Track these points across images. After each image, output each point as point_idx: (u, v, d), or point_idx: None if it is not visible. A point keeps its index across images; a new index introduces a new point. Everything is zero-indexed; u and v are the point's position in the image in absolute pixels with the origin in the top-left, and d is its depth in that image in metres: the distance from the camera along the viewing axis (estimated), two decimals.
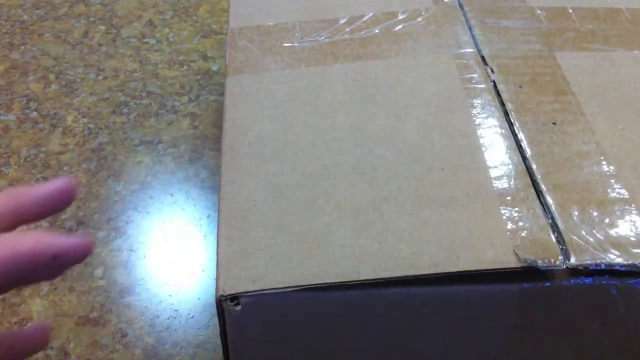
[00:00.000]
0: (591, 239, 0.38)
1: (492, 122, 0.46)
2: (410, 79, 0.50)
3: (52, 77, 0.92)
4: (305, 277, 0.37)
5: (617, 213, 0.40)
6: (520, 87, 0.49)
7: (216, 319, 0.40)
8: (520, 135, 0.45)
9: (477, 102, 0.48)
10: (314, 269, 0.37)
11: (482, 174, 0.42)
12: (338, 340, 0.41)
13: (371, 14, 0.57)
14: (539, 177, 0.42)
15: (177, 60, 0.95)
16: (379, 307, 0.39)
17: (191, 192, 0.76)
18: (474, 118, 0.47)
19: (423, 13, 0.57)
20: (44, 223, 0.72)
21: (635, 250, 0.37)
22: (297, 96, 0.49)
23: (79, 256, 0.22)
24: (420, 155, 0.44)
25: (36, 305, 0.65)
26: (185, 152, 0.81)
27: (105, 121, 0.85)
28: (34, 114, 0.86)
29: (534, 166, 0.43)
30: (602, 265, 0.37)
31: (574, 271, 0.37)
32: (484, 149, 0.44)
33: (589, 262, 0.37)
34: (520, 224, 0.39)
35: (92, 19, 1.03)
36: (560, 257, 0.37)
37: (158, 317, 0.64)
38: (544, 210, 0.40)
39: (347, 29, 0.55)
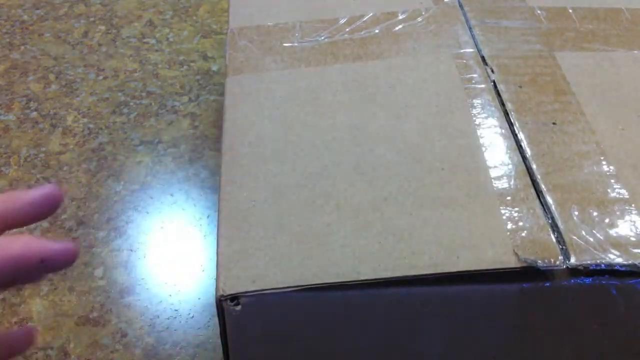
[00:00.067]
0: (591, 239, 0.38)
1: (492, 122, 0.46)
2: (410, 79, 0.50)
3: (52, 77, 0.92)
4: (305, 277, 0.37)
5: (617, 213, 0.40)
6: (520, 87, 0.49)
7: (216, 319, 0.40)
8: (520, 135, 0.45)
9: (477, 102, 0.48)
10: (314, 269, 0.37)
11: (482, 174, 0.42)
12: (338, 340, 0.41)
13: (371, 14, 0.57)
14: (539, 177, 0.42)
15: (177, 60, 0.95)
16: (379, 307, 0.39)
17: (191, 192, 0.76)
18: (474, 118, 0.47)
19: (423, 13, 0.57)
20: (44, 223, 0.72)
21: (635, 250, 0.37)
22: (297, 96, 0.49)
23: (66, 261, 0.22)
24: (420, 155, 0.44)
25: (36, 305, 0.65)
26: (185, 152, 0.81)
27: (105, 121, 0.85)
28: (34, 114, 0.86)
29: (534, 166, 0.43)
30: (602, 265, 0.37)
31: (574, 271, 0.37)
32: (484, 149, 0.44)
33: (589, 262, 0.37)
34: (520, 224, 0.39)
35: (92, 19, 1.03)
36: (560, 257, 0.37)
37: (158, 317, 0.64)
38: (544, 210, 0.40)
39: (347, 29, 0.55)
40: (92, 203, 0.75)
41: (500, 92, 0.49)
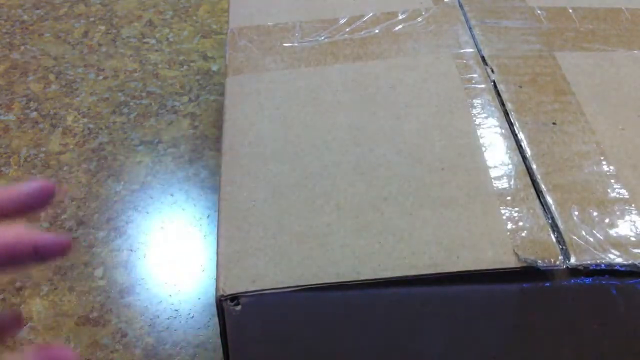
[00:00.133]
0: (591, 239, 0.38)
1: (492, 122, 0.46)
2: (410, 79, 0.50)
3: (52, 77, 0.92)
4: (305, 277, 0.37)
5: (617, 213, 0.40)
6: (520, 87, 0.49)
7: (216, 319, 0.40)
8: (520, 135, 0.45)
9: (477, 102, 0.48)
10: (314, 269, 0.37)
11: (482, 174, 0.42)
12: (338, 340, 0.41)
13: (371, 14, 0.57)
14: (539, 177, 0.42)
15: (177, 60, 0.95)
16: (379, 307, 0.39)
17: (191, 192, 0.76)
18: (474, 118, 0.47)
19: (423, 13, 0.57)
20: (44, 223, 0.72)
21: (635, 250, 0.37)
22: (297, 96, 0.49)
23: (59, 251, 0.23)
24: (420, 155, 0.44)
25: (36, 305, 0.65)
26: (185, 152, 0.81)
27: (105, 121, 0.85)
28: (34, 114, 0.86)
29: (534, 166, 0.43)
30: (602, 265, 0.37)
31: (574, 271, 0.37)
32: (484, 149, 0.44)
33: (589, 262, 0.37)
34: (520, 224, 0.39)
35: (92, 19, 1.03)
36: (560, 257, 0.37)
37: (158, 317, 0.64)
38: (544, 210, 0.40)
39: (347, 29, 0.55)
40: (92, 203, 0.75)
41: (500, 92, 0.49)
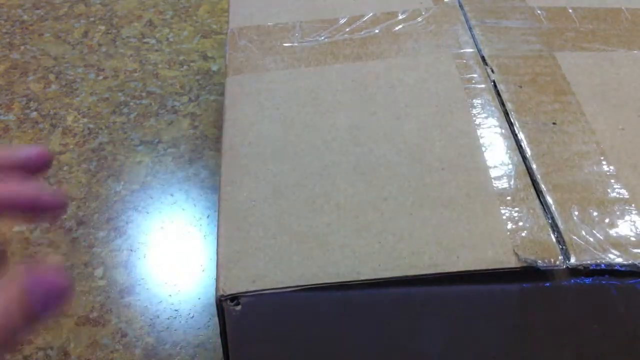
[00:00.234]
0: (591, 239, 0.38)
1: (492, 122, 0.46)
2: (410, 79, 0.50)
3: (52, 77, 0.92)
4: (305, 277, 0.37)
5: (617, 213, 0.40)
6: (520, 87, 0.49)
7: (216, 319, 0.40)
8: (520, 135, 0.45)
9: (477, 102, 0.48)
10: (314, 269, 0.37)
11: (482, 174, 0.42)
12: (338, 340, 0.41)
13: (371, 14, 0.57)
14: (539, 177, 0.42)
15: (177, 60, 0.95)
16: (379, 307, 0.39)
17: (191, 192, 0.76)
18: (474, 118, 0.47)
19: (423, 13, 0.57)
20: (44, 223, 0.72)
21: (635, 250, 0.37)
22: (297, 96, 0.49)
23: (56, 204, 0.24)
24: (420, 155, 0.44)
25: None
26: (185, 152, 0.81)
27: (105, 121, 0.85)
28: (34, 114, 0.86)
29: (534, 166, 0.43)
30: (602, 265, 0.37)
31: (574, 271, 0.37)
32: (484, 149, 0.44)
33: (589, 262, 0.37)
34: (520, 224, 0.39)
35: (92, 19, 1.03)
36: (560, 257, 0.37)
37: (158, 317, 0.64)
38: (544, 210, 0.40)
39: (347, 29, 0.55)
40: (92, 203, 0.75)
41: (500, 92, 0.49)
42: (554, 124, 0.46)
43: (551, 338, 0.41)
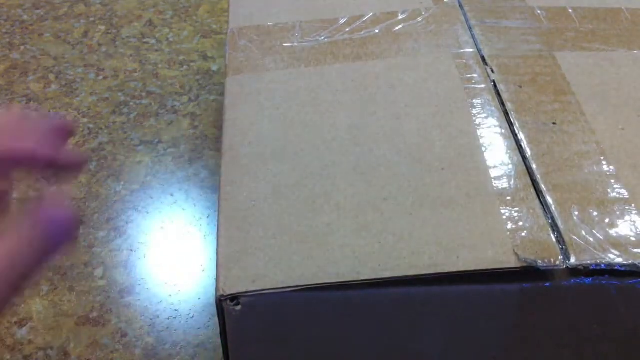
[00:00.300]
0: (591, 239, 0.38)
1: (492, 122, 0.46)
2: (410, 79, 0.50)
3: (52, 77, 0.92)
4: (305, 277, 0.37)
5: (617, 213, 0.40)
6: (520, 87, 0.49)
7: (216, 319, 0.40)
8: (520, 135, 0.45)
9: (477, 102, 0.48)
10: (314, 269, 0.37)
11: (482, 174, 0.42)
12: (338, 340, 0.41)
13: (371, 14, 0.57)
14: (539, 177, 0.42)
15: (177, 60, 0.95)
16: (379, 307, 0.39)
17: (191, 192, 0.76)
18: (474, 118, 0.47)
19: (423, 13, 0.57)
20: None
21: (635, 250, 0.37)
22: (297, 96, 0.49)
23: (77, 164, 0.25)
24: (420, 155, 0.44)
25: (36, 305, 0.65)
26: (185, 152, 0.81)
27: (105, 121, 0.85)
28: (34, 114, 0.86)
29: (534, 166, 0.43)
30: (602, 265, 0.37)
31: (574, 271, 0.37)
32: (484, 149, 0.44)
33: (589, 262, 0.37)
34: (520, 223, 0.39)
35: (92, 19, 1.03)
36: (560, 257, 0.37)
37: (158, 317, 0.64)
38: (544, 210, 0.40)
39: (347, 29, 0.55)
40: (92, 203, 0.75)
41: (500, 92, 0.49)
42: (554, 124, 0.46)
43: (551, 338, 0.41)
